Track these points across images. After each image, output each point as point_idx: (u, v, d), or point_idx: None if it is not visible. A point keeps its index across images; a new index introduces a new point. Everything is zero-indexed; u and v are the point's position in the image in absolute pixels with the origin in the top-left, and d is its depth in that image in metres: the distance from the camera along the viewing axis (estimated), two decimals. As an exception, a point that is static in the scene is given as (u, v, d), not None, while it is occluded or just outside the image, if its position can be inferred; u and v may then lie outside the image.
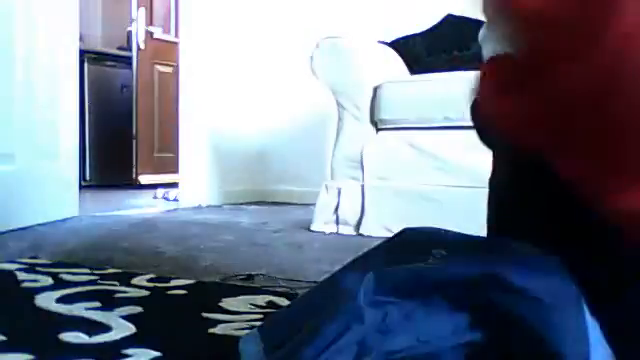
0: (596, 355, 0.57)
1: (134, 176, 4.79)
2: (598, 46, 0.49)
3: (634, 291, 0.72)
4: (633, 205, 0.52)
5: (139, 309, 1.25)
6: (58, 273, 1.55)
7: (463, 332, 0.55)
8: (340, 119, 2.60)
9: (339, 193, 2.56)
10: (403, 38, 3.08)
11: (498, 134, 0.63)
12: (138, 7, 4.79)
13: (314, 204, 2.63)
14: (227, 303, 1.30)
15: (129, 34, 4.93)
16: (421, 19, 3.10)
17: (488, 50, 0.73)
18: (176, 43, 4.23)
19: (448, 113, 2.40)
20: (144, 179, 4.79)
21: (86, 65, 4.66)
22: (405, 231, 0.81)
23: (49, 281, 1.47)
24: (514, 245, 0.66)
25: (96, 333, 1.07)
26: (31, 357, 0.95)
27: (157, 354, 0.98)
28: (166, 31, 5.07)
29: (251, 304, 1.30)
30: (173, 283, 1.49)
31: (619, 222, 0.54)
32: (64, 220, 2.62)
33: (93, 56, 4.83)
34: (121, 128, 4.85)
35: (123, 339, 1.05)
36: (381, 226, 2.45)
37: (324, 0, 3.66)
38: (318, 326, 0.63)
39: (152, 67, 4.92)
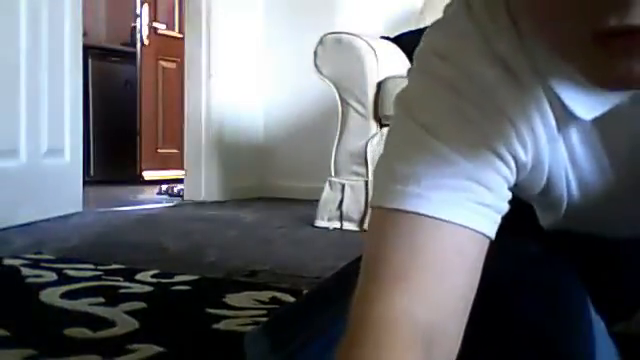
0: (601, 352, 0.57)
1: (138, 172, 4.80)
2: None
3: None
4: None
5: (143, 305, 1.25)
6: (62, 269, 1.55)
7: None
8: (344, 115, 2.59)
9: (343, 189, 2.56)
10: (406, 34, 3.07)
11: None
12: (142, 3, 4.79)
13: (318, 200, 2.63)
14: (231, 299, 1.30)
15: (133, 30, 4.93)
16: (424, 14, 3.09)
17: None
18: (180, 39, 4.23)
19: (452, 109, 2.39)
20: (148, 175, 4.80)
21: (90, 61, 4.66)
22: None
23: (53, 277, 1.47)
24: (516, 243, 0.66)
25: (100, 328, 1.07)
26: (35, 352, 0.95)
27: (161, 349, 0.98)
28: (170, 27, 5.07)
29: (255, 300, 1.30)
30: (177, 279, 1.49)
31: None
32: (68, 216, 2.62)
33: (97, 52, 4.84)
34: (125, 124, 4.85)
35: (127, 334, 1.05)
36: (385, 222, 2.44)
37: (328, -4, 3.65)
38: (325, 323, 0.62)
39: (156, 63, 4.92)
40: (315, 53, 2.60)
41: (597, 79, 0.40)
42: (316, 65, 2.61)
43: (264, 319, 1.06)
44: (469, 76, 0.48)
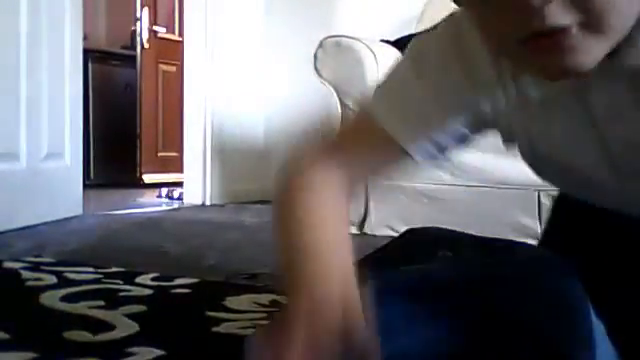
0: (601, 355, 0.57)
1: (138, 175, 4.79)
2: None
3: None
4: None
5: (143, 308, 1.25)
6: (62, 272, 1.55)
7: (463, 335, 0.56)
8: (343, 118, 2.60)
9: (343, 192, 2.55)
10: (406, 37, 3.07)
11: None
12: (142, 6, 4.79)
13: (318, 203, 2.62)
14: (231, 302, 1.30)
15: (133, 33, 4.93)
16: (424, 18, 3.09)
17: None
18: (180, 42, 4.23)
19: (452, 112, 2.39)
20: (148, 178, 4.79)
21: (90, 64, 4.66)
22: (410, 231, 0.81)
23: (53, 280, 1.47)
24: (517, 244, 0.66)
25: (100, 332, 1.08)
26: (35, 355, 0.95)
27: (161, 352, 0.98)
28: (170, 30, 5.07)
29: (255, 303, 1.30)
30: (177, 282, 1.49)
31: None
32: (68, 219, 2.62)
33: (97, 55, 4.83)
34: (125, 127, 4.84)
35: (127, 338, 1.06)
36: (385, 225, 2.44)
37: (328, -1, 3.65)
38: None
39: (156, 66, 4.92)
40: (315, 56, 2.60)
41: (539, 74, 0.54)
42: (316, 68, 2.61)
43: (264, 322, 1.06)
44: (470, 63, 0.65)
